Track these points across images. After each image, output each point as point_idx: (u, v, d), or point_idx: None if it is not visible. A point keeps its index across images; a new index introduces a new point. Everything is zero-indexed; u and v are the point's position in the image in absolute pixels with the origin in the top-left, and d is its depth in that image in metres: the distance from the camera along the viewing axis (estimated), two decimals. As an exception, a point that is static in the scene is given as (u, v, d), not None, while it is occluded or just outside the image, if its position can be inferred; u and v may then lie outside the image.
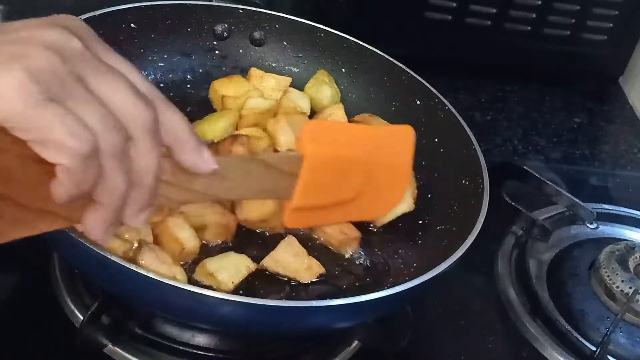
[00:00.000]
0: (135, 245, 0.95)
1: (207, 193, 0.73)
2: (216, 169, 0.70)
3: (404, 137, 0.92)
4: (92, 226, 0.65)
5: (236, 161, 0.80)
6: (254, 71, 1.27)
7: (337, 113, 1.25)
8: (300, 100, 1.25)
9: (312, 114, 1.26)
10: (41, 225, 0.66)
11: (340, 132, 0.87)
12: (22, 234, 0.66)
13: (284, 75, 1.30)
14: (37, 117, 0.57)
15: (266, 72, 1.28)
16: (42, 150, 0.59)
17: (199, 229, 1.01)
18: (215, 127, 1.17)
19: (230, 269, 0.98)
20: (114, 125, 0.61)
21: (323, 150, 0.82)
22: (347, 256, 1.07)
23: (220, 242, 1.03)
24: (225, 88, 1.23)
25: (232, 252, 1.01)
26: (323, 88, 1.27)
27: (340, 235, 1.07)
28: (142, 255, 0.93)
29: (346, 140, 0.85)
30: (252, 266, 1.00)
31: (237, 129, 1.19)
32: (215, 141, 1.13)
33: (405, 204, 1.13)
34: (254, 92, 1.23)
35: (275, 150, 1.17)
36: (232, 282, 0.97)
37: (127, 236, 0.95)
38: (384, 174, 0.90)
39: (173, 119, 0.66)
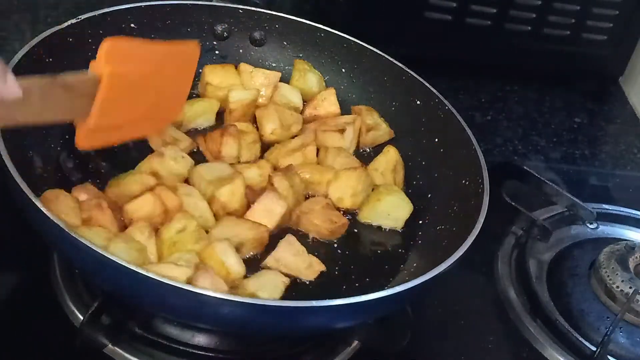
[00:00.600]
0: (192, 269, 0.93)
1: (6, 117, 0.75)
2: (20, 96, 0.71)
3: (189, 52, 1.00)
4: None
5: (37, 83, 0.80)
6: (244, 66, 1.27)
7: (330, 98, 1.26)
8: (291, 95, 1.25)
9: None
10: None
11: (134, 50, 0.90)
12: None
13: (286, 77, 1.30)
14: None
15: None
16: None
17: (237, 248, 1.01)
18: (190, 109, 1.18)
19: (269, 285, 0.98)
20: None
21: (120, 70, 0.85)
22: (346, 256, 1.07)
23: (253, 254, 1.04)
24: (212, 75, 1.24)
25: (264, 270, 1.01)
26: (308, 76, 1.28)
27: (330, 225, 1.08)
28: (198, 279, 0.92)
29: (140, 58, 0.89)
30: (287, 280, 1.00)
31: (224, 122, 1.20)
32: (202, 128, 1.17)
33: (407, 208, 1.14)
34: (237, 86, 1.24)
35: (262, 140, 1.19)
36: (274, 299, 0.97)
37: (182, 262, 0.94)
38: (170, 87, 0.96)
39: None
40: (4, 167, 0.90)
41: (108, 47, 0.85)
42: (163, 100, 0.96)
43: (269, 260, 1.02)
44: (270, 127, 1.19)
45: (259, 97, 1.25)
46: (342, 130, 1.21)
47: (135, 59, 0.89)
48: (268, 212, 1.05)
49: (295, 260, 1.03)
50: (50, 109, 0.80)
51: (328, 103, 1.26)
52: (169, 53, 0.96)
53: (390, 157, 1.19)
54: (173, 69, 0.96)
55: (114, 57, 0.85)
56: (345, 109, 1.27)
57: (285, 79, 1.30)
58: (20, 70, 1.01)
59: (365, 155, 1.24)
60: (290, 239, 1.05)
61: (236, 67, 1.27)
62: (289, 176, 1.09)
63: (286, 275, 1.01)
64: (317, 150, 1.20)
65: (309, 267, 1.03)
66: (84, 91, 0.83)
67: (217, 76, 1.24)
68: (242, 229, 1.02)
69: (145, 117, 0.95)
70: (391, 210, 1.12)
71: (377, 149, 1.23)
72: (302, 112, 1.26)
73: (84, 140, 0.88)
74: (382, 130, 1.23)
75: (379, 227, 1.13)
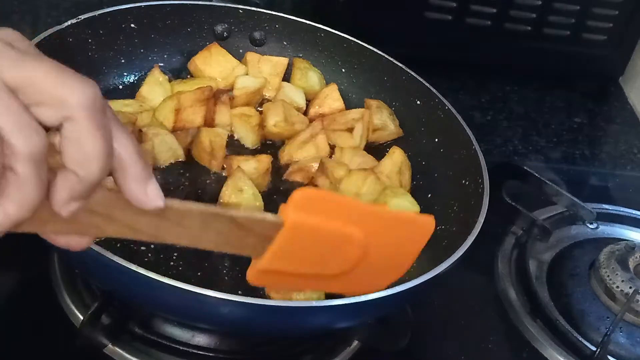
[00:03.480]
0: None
1: (152, 234, 0.65)
2: (162, 208, 0.62)
3: (419, 227, 0.81)
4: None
5: (195, 210, 0.68)
6: (250, 55, 1.28)
7: (332, 94, 1.26)
8: (295, 95, 1.25)
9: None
10: None
11: (338, 204, 0.76)
12: None
13: (286, 77, 1.30)
14: None
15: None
16: None
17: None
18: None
19: None
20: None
21: (307, 221, 0.72)
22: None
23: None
24: (205, 65, 1.25)
25: None
26: (309, 75, 1.28)
27: None
28: None
29: (343, 214, 0.75)
30: None
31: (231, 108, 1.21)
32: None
33: (414, 210, 1.14)
34: (239, 68, 1.25)
35: (264, 128, 1.19)
36: None
37: None
38: (380, 260, 0.80)
39: (121, 139, 0.59)
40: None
41: (303, 194, 0.72)
42: (365, 270, 0.80)
43: None
44: (274, 120, 1.19)
45: (266, 86, 1.26)
46: (350, 129, 1.21)
47: (337, 213, 0.75)
48: None
49: None
50: (212, 239, 0.69)
51: (331, 99, 1.26)
52: (389, 218, 0.79)
53: (395, 159, 1.18)
54: (388, 239, 0.79)
55: (305, 205, 0.73)
56: (345, 109, 1.27)
57: (286, 78, 1.30)
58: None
59: (373, 147, 1.24)
60: None
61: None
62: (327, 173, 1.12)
63: None
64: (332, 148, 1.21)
65: None
66: (260, 233, 0.72)
67: (210, 66, 1.25)
68: None
69: (339, 277, 0.80)
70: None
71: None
72: (305, 113, 1.26)
73: (255, 278, 0.77)
74: (389, 131, 1.23)
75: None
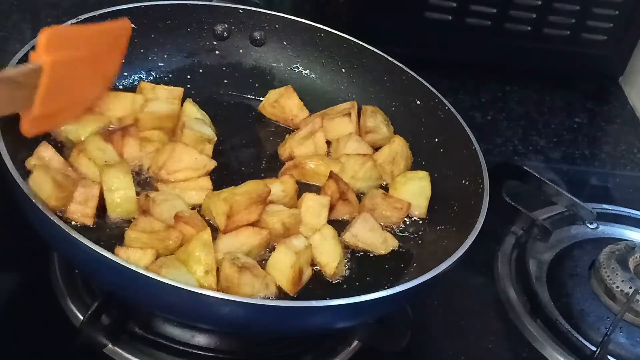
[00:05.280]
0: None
1: None
2: None
3: (121, 29, 1.03)
4: None
5: None
6: (144, 84, 1.20)
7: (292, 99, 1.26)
8: (202, 128, 1.17)
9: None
10: None
11: (71, 36, 0.91)
12: None
13: (286, 77, 1.31)
14: None
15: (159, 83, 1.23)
16: None
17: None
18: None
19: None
20: None
21: (60, 58, 0.86)
22: (347, 256, 1.07)
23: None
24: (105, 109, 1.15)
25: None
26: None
27: (398, 212, 1.12)
28: None
29: (77, 43, 0.91)
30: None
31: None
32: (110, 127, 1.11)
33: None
34: (137, 98, 1.17)
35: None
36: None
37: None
38: (105, 64, 0.99)
39: None
40: (3, 168, 0.90)
41: (46, 37, 0.86)
42: (99, 78, 1.01)
43: (347, 236, 1.07)
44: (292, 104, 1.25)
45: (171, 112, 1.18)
46: (348, 114, 1.22)
47: (73, 44, 0.90)
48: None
49: (371, 235, 1.08)
50: None
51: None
52: (102, 33, 1.00)
53: (393, 148, 1.19)
54: (107, 47, 1.00)
55: (53, 46, 0.86)
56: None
57: (288, 79, 1.30)
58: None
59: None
60: (365, 216, 1.09)
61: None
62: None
63: (362, 250, 1.07)
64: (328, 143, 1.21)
65: (384, 242, 1.08)
66: (26, 83, 0.84)
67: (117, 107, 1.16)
68: (245, 237, 1.02)
69: (83, 97, 0.99)
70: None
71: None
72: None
73: (30, 128, 0.90)
74: (382, 134, 1.23)
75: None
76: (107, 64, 1.02)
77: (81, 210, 0.98)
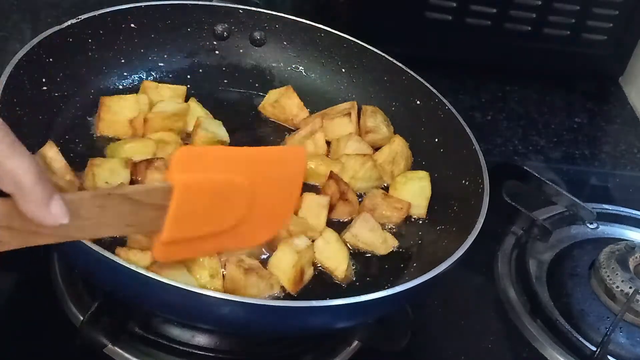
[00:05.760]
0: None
1: (56, 235, 0.68)
2: (66, 222, 0.64)
3: (294, 158, 0.87)
4: None
5: (88, 197, 0.70)
6: (147, 83, 1.21)
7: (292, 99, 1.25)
8: (217, 129, 1.18)
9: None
10: None
11: (216, 156, 0.80)
12: None
13: (286, 77, 1.30)
14: None
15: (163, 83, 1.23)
16: None
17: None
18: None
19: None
20: None
21: (195, 179, 0.75)
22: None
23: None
24: (110, 114, 1.14)
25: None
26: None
27: (399, 212, 1.12)
28: None
29: (223, 165, 0.78)
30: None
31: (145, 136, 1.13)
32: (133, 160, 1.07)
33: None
34: (142, 98, 1.16)
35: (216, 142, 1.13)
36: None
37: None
38: (268, 198, 0.83)
39: (15, 165, 0.60)
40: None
41: (181, 155, 0.75)
42: (259, 212, 0.83)
43: (347, 236, 1.07)
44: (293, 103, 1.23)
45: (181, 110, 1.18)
46: (348, 114, 1.22)
47: (218, 165, 0.78)
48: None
49: (371, 235, 1.08)
50: (111, 223, 0.72)
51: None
52: (264, 157, 0.85)
53: (393, 148, 1.19)
54: (270, 176, 0.83)
55: (187, 165, 0.75)
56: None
57: (288, 79, 1.30)
58: (20, 71, 1.02)
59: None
60: (365, 216, 1.09)
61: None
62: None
63: (363, 250, 1.07)
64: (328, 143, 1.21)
65: (384, 242, 1.08)
66: (154, 203, 0.73)
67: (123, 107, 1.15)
68: None
69: (238, 228, 0.83)
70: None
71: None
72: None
73: (161, 255, 0.80)
74: (382, 134, 1.23)
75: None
76: (273, 194, 0.84)
77: None
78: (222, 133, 1.17)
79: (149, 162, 1.05)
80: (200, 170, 0.76)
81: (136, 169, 1.05)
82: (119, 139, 1.13)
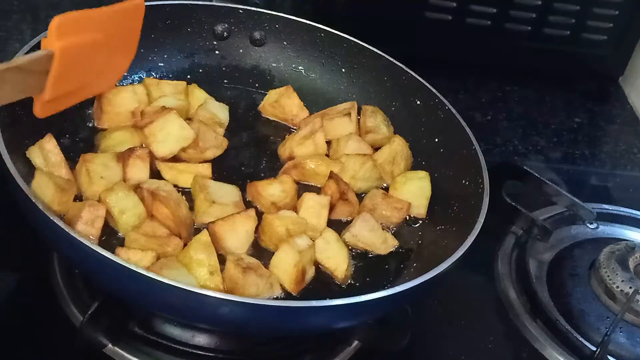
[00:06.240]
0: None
1: None
2: None
3: (134, 12, 1.03)
4: None
5: None
6: (149, 80, 1.21)
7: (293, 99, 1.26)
8: (218, 110, 1.21)
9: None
10: None
11: (82, 20, 0.92)
12: None
13: (286, 77, 1.31)
14: None
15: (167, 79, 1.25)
16: None
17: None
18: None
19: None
20: None
21: (71, 44, 0.88)
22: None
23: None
24: (113, 106, 1.15)
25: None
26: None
27: (398, 212, 1.12)
28: None
29: (88, 27, 0.92)
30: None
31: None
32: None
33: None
34: (140, 90, 1.18)
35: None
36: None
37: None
38: (119, 44, 1.00)
39: None
40: (3, 167, 0.90)
41: (57, 23, 0.87)
42: (114, 58, 1.01)
43: (347, 236, 1.07)
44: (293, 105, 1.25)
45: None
46: (348, 114, 1.22)
47: (85, 29, 0.92)
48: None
49: (371, 235, 1.08)
50: (6, 91, 0.84)
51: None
52: (115, 14, 0.99)
53: (393, 147, 1.19)
54: (120, 28, 1.00)
55: (64, 32, 0.88)
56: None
57: (288, 79, 1.31)
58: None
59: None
60: (365, 216, 1.09)
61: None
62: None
63: (363, 250, 1.07)
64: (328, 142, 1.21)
65: (384, 242, 1.08)
66: (38, 69, 0.86)
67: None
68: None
69: (97, 77, 0.99)
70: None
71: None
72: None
73: (42, 111, 0.92)
74: (382, 134, 1.23)
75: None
76: (122, 43, 1.02)
77: (87, 231, 0.96)
78: (222, 115, 1.19)
79: (131, 150, 1.07)
80: (73, 34, 0.89)
81: (122, 159, 1.06)
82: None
